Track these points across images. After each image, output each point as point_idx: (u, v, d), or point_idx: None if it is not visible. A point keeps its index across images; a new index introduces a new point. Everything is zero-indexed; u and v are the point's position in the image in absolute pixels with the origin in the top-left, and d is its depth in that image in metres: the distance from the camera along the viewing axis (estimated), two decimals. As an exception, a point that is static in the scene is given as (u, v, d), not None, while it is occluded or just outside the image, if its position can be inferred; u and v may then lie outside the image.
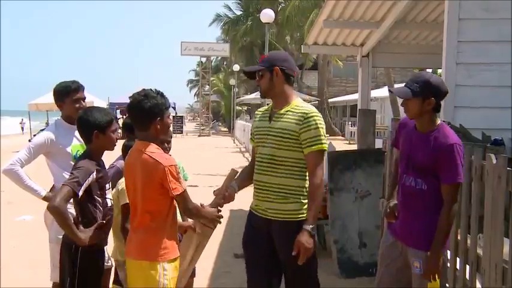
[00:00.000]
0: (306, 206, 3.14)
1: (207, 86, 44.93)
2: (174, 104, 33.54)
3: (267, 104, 3.54)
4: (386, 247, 3.29)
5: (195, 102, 73.64)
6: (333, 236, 5.67)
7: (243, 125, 26.63)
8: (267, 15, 14.68)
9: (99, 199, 3.10)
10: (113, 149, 3.29)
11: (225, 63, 52.43)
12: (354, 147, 15.33)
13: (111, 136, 3.18)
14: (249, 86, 44.89)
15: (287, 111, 3.18)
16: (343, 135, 32.57)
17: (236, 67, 33.77)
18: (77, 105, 3.85)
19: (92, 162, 3.07)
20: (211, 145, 27.12)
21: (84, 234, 2.98)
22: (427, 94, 2.98)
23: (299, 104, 3.23)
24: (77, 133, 3.54)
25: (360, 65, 8.76)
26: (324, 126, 3.18)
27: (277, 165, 3.16)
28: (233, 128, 33.70)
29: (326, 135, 3.20)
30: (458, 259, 3.53)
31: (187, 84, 75.08)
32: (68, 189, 2.89)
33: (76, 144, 3.84)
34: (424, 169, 3.02)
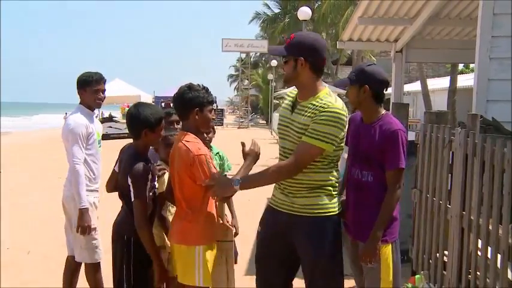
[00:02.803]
0: (334, 200, 2.82)
1: (246, 81, 45.00)
2: (215, 97, 33.73)
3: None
4: (347, 248, 3.18)
5: (235, 96, 73.85)
6: (366, 224, 5.62)
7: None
8: (304, 12, 14.57)
9: (149, 194, 3.07)
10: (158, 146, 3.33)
11: (263, 58, 52.35)
12: (387, 139, 15.09)
13: (159, 134, 3.15)
14: (286, 80, 44.71)
15: (310, 103, 2.74)
16: (376, 128, 32.09)
17: (274, 62, 33.72)
18: (97, 96, 3.91)
19: (142, 162, 3.02)
20: (249, 137, 27.19)
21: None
22: (361, 81, 2.96)
23: (325, 96, 2.75)
24: (96, 120, 3.71)
25: (394, 60, 8.62)
26: (342, 127, 2.71)
27: None
28: (271, 121, 33.67)
29: (339, 139, 2.71)
30: (489, 248, 3.44)
31: (228, 79, 75.28)
32: (141, 204, 2.99)
33: (97, 132, 4.01)
34: (370, 158, 2.95)
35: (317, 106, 2.70)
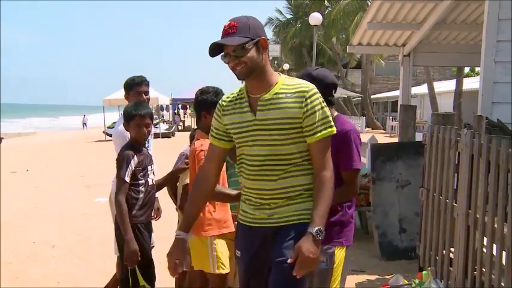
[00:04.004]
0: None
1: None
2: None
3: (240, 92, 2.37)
4: None
5: (249, 98, 73.87)
6: (375, 222, 5.61)
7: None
8: (316, 18, 14.54)
9: (141, 180, 3.32)
10: None
11: (275, 62, 52.27)
12: (395, 140, 15.03)
13: (134, 128, 3.35)
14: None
15: (276, 93, 2.22)
16: (384, 129, 31.97)
17: (286, 66, 33.72)
18: (139, 97, 3.94)
19: (130, 150, 3.29)
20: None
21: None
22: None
23: (289, 81, 2.27)
24: None
25: (402, 63, 8.57)
26: (327, 107, 2.28)
27: (279, 165, 2.23)
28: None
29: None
30: (495, 246, 3.41)
31: (242, 82, 75.40)
32: (119, 183, 3.28)
33: None
34: None
35: (292, 93, 2.21)
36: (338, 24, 29.71)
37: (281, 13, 39.60)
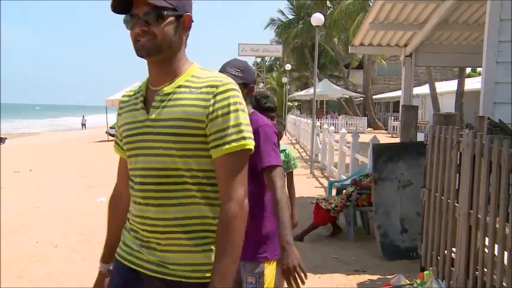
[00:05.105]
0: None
1: (262, 84, 45.01)
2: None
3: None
4: None
5: (251, 98, 73.87)
6: (376, 222, 5.60)
7: (293, 119, 26.83)
8: (317, 18, 14.50)
9: None
10: None
11: (277, 63, 52.30)
12: (397, 140, 15.02)
13: None
14: (299, 83, 44.69)
15: (179, 87, 1.61)
16: (386, 129, 31.94)
17: (288, 66, 33.69)
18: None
19: None
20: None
21: None
22: (249, 80, 2.45)
23: (201, 73, 1.64)
24: None
25: (403, 64, 8.57)
26: (245, 108, 1.62)
27: (173, 184, 1.58)
28: (285, 122, 33.73)
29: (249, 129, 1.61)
30: (496, 246, 3.41)
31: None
32: None
33: None
34: None
35: (199, 87, 1.59)
36: (340, 25, 29.70)
37: (283, 14, 39.68)
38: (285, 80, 36.79)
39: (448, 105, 22.09)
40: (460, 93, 19.11)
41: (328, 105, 39.59)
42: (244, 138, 1.58)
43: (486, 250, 3.48)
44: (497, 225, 3.36)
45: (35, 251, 5.76)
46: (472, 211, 3.67)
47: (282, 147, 3.65)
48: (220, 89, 1.58)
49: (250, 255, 2.32)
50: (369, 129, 31.19)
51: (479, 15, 6.97)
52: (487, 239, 3.48)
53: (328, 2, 33.95)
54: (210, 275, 1.55)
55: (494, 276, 3.36)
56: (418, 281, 3.85)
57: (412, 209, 5.44)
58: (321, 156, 13.81)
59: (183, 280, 1.59)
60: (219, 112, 1.56)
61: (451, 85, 25.18)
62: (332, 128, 13.21)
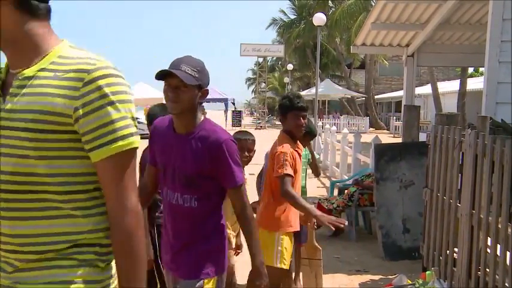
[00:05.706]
0: (109, 273, 1.34)
1: (263, 84, 45.04)
2: (234, 99, 33.83)
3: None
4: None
5: (252, 98, 73.93)
6: (378, 222, 5.60)
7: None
8: (319, 18, 14.50)
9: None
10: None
11: (279, 63, 52.34)
12: (399, 140, 15.00)
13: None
14: (301, 83, 44.69)
15: (42, 69, 1.26)
16: (388, 129, 31.92)
17: (290, 66, 33.72)
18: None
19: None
20: (266, 136, 27.20)
21: None
22: (204, 83, 2.22)
23: (72, 52, 1.29)
24: None
25: (405, 64, 8.56)
26: (131, 98, 1.31)
27: (30, 193, 1.26)
28: (286, 122, 33.63)
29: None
30: (499, 246, 3.40)
31: (246, 82, 75.48)
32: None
33: None
34: (195, 179, 2.21)
35: (65, 72, 1.25)
36: (342, 25, 29.68)
37: (285, 14, 39.66)
38: (286, 80, 36.91)
39: (450, 105, 22.07)
40: (462, 93, 19.09)
41: (330, 105, 39.59)
42: (131, 134, 1.28)
43: (488, 250, 3.48)
44: (499, 226, 3.35)
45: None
46: (474, 211, 3.66)
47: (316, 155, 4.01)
48: (93, 75, 1.23)
49: (191, 271, 2.26)
50: (371, 129, 31.16)
51: (481, 15, 6.96)
52: (489, 239, 3.47)
53: (330, 2, 33.92)
54: None
55: (497, 277, 3.35)
56: (420, 281, 3.85)
57: (414, 209, 5.44)
58: (322, 156, 13.81)
59: None
60: (94, 105, 1.22)
61: (453, 85, 25.15)
62: (334, 128, 13.21)
